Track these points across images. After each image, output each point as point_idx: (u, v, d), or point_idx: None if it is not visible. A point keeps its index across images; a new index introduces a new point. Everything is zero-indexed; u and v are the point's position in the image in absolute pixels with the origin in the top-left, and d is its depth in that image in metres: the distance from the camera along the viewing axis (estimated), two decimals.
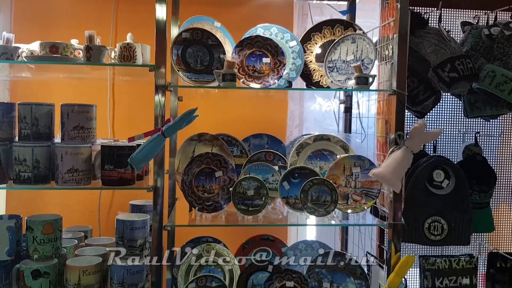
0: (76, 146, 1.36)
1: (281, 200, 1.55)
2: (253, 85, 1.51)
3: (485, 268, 1.73)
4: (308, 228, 2.14)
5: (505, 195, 2.04)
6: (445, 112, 1.85)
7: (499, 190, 2.03)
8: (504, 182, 1.98)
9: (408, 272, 1.41)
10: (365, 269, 1.66)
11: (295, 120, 2.12)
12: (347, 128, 1.94)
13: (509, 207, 2.07)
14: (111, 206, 1.99)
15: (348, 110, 1.96)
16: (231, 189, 1.47)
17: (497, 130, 1.86)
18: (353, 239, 1.86)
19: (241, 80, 1.53)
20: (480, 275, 1.76)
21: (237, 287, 1.65)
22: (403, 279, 1.42)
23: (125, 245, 1.42)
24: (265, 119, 2.08)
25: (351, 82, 1.52)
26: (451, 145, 1.85)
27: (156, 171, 1.37)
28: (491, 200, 1.73)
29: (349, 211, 1.53)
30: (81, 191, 1.90)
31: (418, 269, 1.65)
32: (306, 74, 1.68)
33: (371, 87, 1.49)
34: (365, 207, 1.53)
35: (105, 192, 1.97)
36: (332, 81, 1.57)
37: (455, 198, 1.55)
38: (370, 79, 1.47)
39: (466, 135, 1.83)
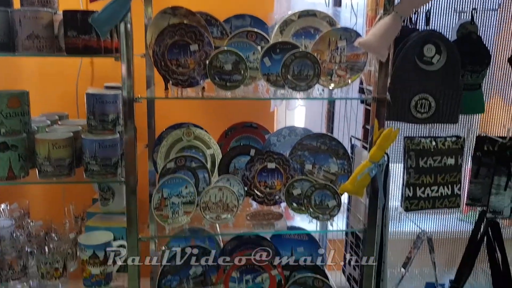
0: (35, 9, 1.25)
1: (262, 78, 1.46)
2: None
3: (472, 151, 1.69)
4: (296, 119, 2.09)
5: (499, 85, 1.96)
6: None
7: (492, 81, 1.95)
8: (498, 71, 1.90)
9: (390, 146, 1.36)
10: (349, 152, 1.63)
11: (283, 3, 1.97)
12: None
13: (501, 98, 2.00)
14: None
15: None
16: (207, 61, 1.38)
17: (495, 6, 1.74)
18: (339, 126, 1.80)
19: None
20: (467, 168, 1.74)
21: (219, 171, 1.62)
22: (385, 154, 1.38)
23: (96, 120, 1.36)
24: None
25: None
26: (446, 25, 1.73)
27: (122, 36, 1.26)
28: (484, 91, 1.65)
29: (332, 85, 1.45)
30: (53, 69, 1.80)
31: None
32: None
33: None
34: (349, 81, 1.45)
35: (82, 78, 1.87)
36: None
37: (445, 74, 1.47)
38: None
39: (462, 13, 1.71)
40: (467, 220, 2.17)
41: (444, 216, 2.19)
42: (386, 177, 1.43)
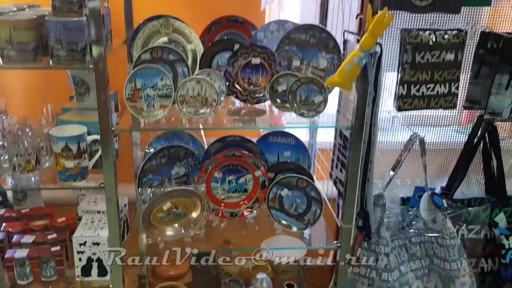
0: None
1: None
2: None
3: (474, 49, 1.57)
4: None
5: None
6: None
7: None
8: None
9: (383, 33, 1.24)
10: (342, 49, 1.51)
11: None
12: None
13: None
14: None
15: None
16: None
17: None
18: (332, 22, 1.66)
19: None
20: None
21: (200, 67, 1.52)
22: (378, 45, 1.26)
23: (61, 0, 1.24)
24: None
25: None
26: None
27: None
28: None
29: None
30: None
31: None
32: None
33: None
34: None
35: None
36: None
37: None
38: None
39: None
40: (465, 132, 2.09)
41: (441, 128, 2.10)
42: (378, 70, 1.32)
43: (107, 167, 1.31)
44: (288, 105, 1.40)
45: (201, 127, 1.45)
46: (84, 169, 1.38)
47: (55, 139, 1.32)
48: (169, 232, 1.46)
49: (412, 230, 1.64)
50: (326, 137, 1.86)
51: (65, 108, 1.53)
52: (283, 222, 1.51)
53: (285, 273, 1.87)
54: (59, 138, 1.32)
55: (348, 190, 1.40)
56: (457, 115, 2.02)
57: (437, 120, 2.07)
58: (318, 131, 1.83)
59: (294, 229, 1.50)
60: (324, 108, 1.38)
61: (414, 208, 1.67)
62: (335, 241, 1.49)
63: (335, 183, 1.65)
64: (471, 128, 1.71)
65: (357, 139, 1.36)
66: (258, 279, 1.64)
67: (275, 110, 1.45)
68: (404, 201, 1.80)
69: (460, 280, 1.64)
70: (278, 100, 1.43)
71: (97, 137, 1.36)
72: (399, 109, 1.49)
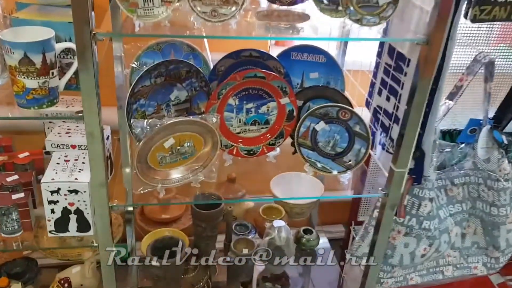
0: None
1: None
2: None
3: None
4: None
5: None
6: None
7: None
8: None
9: None
10: None
11: None
12: None
13: None
14: None
15: None
16: None
17: None
18: None
19: None
20: None
21: None
22: None
23: None
24: None
25: None
26: None
27: None
28: None
29: None
30: None
31: None
32: None
33: None
34: None
35: None
36: None
37: None
38: None
39: None
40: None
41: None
42: None
43: (86, 88, 0.91)
44: (340, 7, 1.01)
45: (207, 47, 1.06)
46: (53, 91, 0.97)
47: (9, 47, 0.90)
48: (174, 175, 1.12)
49: (462, 171, 1.38)
50: (353, 55, 1.50)
51: (20, 2, 1.06)
52: (318, 164, 1.20)
53: (299, 215, 1.60)
54: (15, 44, 0.89)
55: (409, 126, 1.08)
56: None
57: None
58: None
59: (334, 172, 1.19)
60: (392, 13, 1.00)
61: (464, 145, 1.40)
62: (380, 188, 1.19)
63: (375, 113, 1.32)
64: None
65: (430, 58, 1.01)
66: (275, 227, 1.36)
67: (317, 15, 1.07)
68: (444, 134, 1.52)
69: (507, 226, 1.44)
70: (325, 1, 1.04)
71: (71, 44, 0.95)
72: (474, 19, 1.14)
